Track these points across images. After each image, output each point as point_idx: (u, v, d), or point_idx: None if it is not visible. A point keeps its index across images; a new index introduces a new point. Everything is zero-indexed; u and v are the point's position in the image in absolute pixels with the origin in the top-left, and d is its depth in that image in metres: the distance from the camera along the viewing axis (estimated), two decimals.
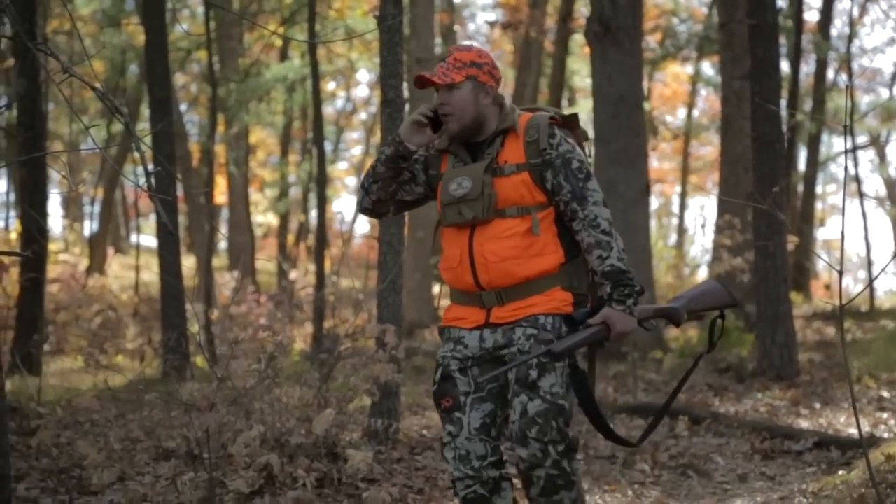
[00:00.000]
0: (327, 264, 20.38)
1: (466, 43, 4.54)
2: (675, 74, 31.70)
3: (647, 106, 23.04)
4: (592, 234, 4.32)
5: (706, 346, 4.77)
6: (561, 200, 4.40)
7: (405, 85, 7.79)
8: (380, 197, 4.61)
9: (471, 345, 4.49)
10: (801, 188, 24.31)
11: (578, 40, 24.64)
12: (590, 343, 4.31)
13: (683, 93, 31.96)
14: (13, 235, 18.07)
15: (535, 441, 4.32)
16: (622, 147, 13.81)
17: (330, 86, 31.68)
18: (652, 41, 25.66)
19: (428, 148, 4.63)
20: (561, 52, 23.16)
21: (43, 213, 12.62)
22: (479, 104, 4.48)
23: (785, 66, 20.29)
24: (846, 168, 5.45)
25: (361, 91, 36.15)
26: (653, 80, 30.63)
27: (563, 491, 4.37)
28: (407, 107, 8.06)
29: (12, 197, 27.75)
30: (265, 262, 29.26)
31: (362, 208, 4.67)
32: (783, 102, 16.45)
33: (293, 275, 25.21)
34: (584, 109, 27.89)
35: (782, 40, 18.48)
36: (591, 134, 14.76)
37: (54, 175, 27.03)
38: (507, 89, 30.59)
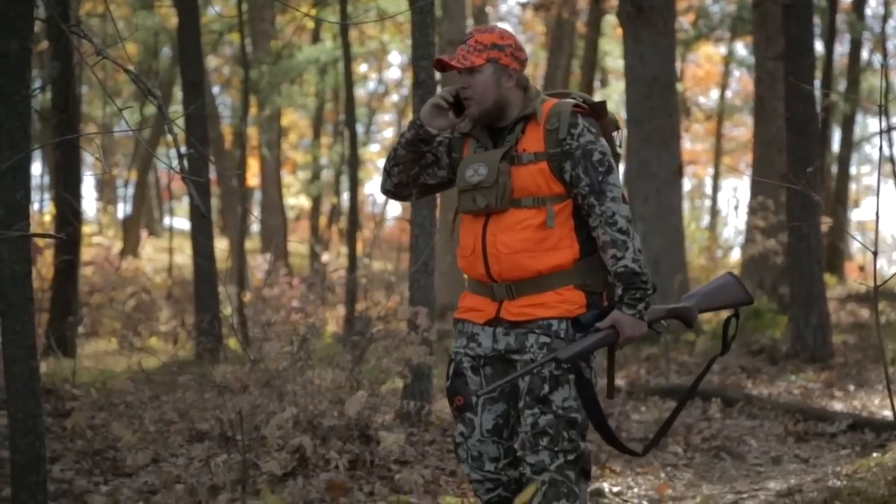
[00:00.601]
0: (359, 247, 20.40)
1: (490, 26, 4.42)
2: (708, 55, 31.55)
3: (679, 87, 22.91)
4: (608, 231, 4.15)
5: (720, 346, 4.54)
6: (579, 193, 4.23)
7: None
8: (401, 180, 4.50)
9: (484, 344, 4.37)
10: (835, 169, 24.18)
11: (611, 21, 24.54)
12: (598, 348, 4.17)
13: (716, 73, 31.80)
14: (47, 218, 18.16)
15: (545, 449, 4.22)
16: (655, 128, 13.76)
17: (362, 68, 31.67)
18: (685, 21, 25.53)
19: (452, 131, 4.49)
20: (593, 33, 23.08)
21: (77, 196, 12.67)
22: (500, 88, 4.31)
23: (819, 46, 20.16)
24: (881, 149, 5.42)
25: (393, 73, 36.13)
26: (685, 61, 30.49)
27: (565, 500, 4.23)
28: (438, 88, 8.06)
29: (46, 179, 27.91)
30: (297, 244, 29.32)
31: (384, 190, 4.57)
32: (817, 83, 16.37)
33: (325, 257, 25.23)
34: (616, 91, 27.81)
35: (816, 20, 18.36)
36: (623, 115, 14.66)
37: (88, 158, 27.16)
38: (538, 70, 30.52)
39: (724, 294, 4.47)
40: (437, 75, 7.80)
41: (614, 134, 4.45)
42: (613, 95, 27.99)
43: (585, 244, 4.26)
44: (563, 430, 4.21)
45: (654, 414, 8.70)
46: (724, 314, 4.58)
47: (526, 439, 4.24)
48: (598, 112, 4.39)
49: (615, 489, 6.70)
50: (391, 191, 4.55)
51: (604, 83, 30.59)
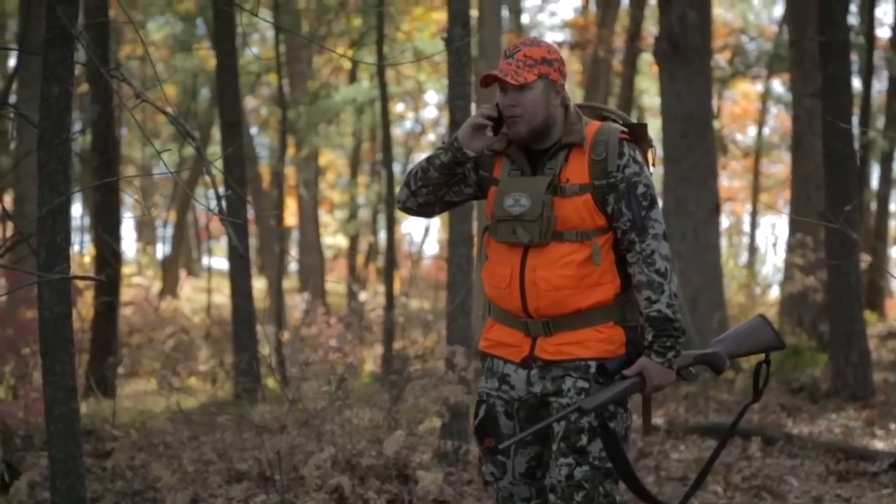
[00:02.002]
0: (396, 285, 20.43)
1: (536, 39, 4.20)
2: (745, 92, 31.49)
3: (716, 124, 22.91)
4: (645, 272, 3.99)
5: (751, 394, 4.38)
6: (619, 228, 4.06)
7: (473, 106, 7.81)
8: (428, 200, 4.29)
9: (517, 386, 4.20)
10: (874, 206, 24.04)
11: (647, 59, 24.56)
12: (624, 397, 4.04)
13: (753, 111, 31.73)
14: (87, 259, 18.27)
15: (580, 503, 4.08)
16: (692, 166, 13.74)
17: (398, 107, 31.78)
18: (721, 59, 25.53)
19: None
20: (629, 71, 23.10)
21: (116, 237, 12.75)
22: (549, 105, 4.09)
23: (856, 83, 20.09)
24: None
25: (430, 112, 36.20)
26: (722, 99, 30.45)
27: None
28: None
29: (86, 221, 28.10)
30: (335, 283, 29.36)
31: (405, 208, 4.34)
32: (855, 120, 16.31)
33: (363, 296, 25.27)
34: (652, 128, 27.72)
35: (854, 57, 18.31)
36: (660, 152, 14.65)
37: (127, 199, 27.33)
38: None
39: (754, 338, 4.32)
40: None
41: (649, 153, 4.30)
42: (650, 133, 27.99)
43: (626, 278, 4.12)
44: (599, 484, 4.07)
45: (693, 453, 8.65)
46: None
47: (559, 488, 4.10)
48: (638, 134, 4.23)
49: None
50: (413, 209, 4.34)
51: (640, 121, 30.55)
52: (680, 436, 9.45)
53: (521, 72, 4.05)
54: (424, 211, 4.35)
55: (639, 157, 4.13)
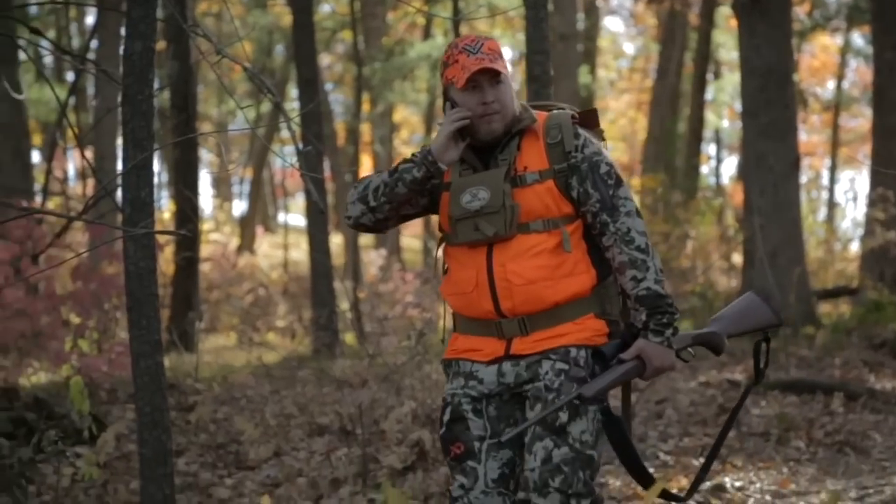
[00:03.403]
0: None
1: (480, 35, 3.91)
2: (825, 45, 31.08)
3: (795, 78, 22.65)
4: (625, 251, 3.70)
5: (753, 375, 4.09)
6: (588, 211, 3.77)
7: (550, 62, 7.76)
8: (388, 216, 3.92)
9: (486, 380, 3.84)
10: None
11: (724, 12, 24.29)
12: (624, 382, 3.75)
13: (833, 64, 31.31)
14: (167, 216, 18.45)
15: (557, 492, 3.72)
16: (771, 120, 13.58)
17: None
18: (800, 12, 25.19)
19: None
20: (706, 24, 22.87)
21: (195, 193, 12.87)
22: (514, 98, 3.84)
23: None
24: None
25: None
26: (801, 52, 30.07)
27: None
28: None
29: (164, 178, 28.38)
30: (411, 239, 29.43)
31: (357, 224, 3.97)
32: None
33: (439, 252, 25.35)
34: (729, 83, 27.52)
35: None
36: (738, 107, 14.46)
37: (205, 156, 27.53)
38: (650, 63, 30.32)
39: (751, 316, 4.04)
40: (552, 71, 7.75)
41: (602, 142, 4.00)
42: (727, 87, 27.72)
43: (601, 268, 3.82)
44: (579, 469, 3.72)
45: (774, 408, 8.59)
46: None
47: (533, 478, 3.74)
48: (589, 121, 3.97)
49: (737, 484, 6.63)
50: (368, 225, 3.96)
51: (717, 75, 30.28)
52: (761, 391, 9.40)
53: (498, 63, 3.77)
54: (380, 227, 3.99)
55: (594, 139, 3.87)
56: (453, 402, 3.88)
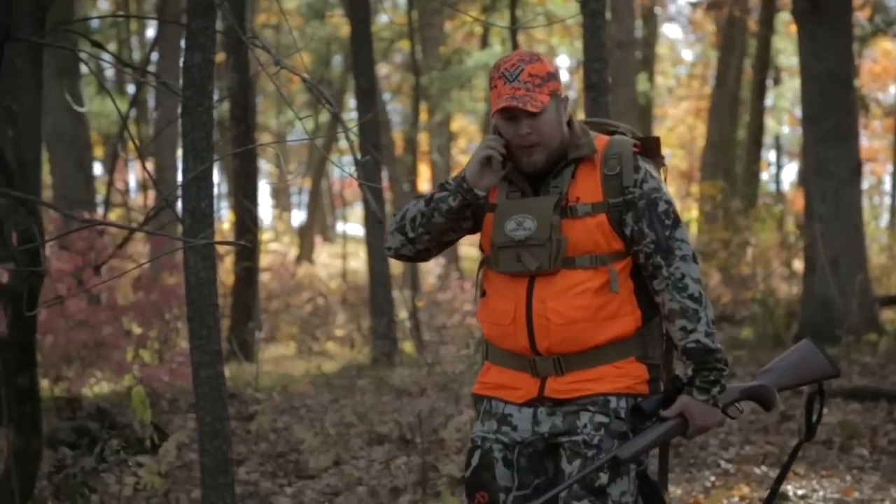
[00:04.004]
0: None
1: (528, 52, 3.62)
2: (886, 50, 30.78)
3: (856, 83, 22.47)
4: (677, 298, 3.46)
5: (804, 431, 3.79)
6: (641, 252, 3.53)
7: (608, 70, 7.74)
8: (428, 247, 3.70)
9: (521, 427, 3.59)
10: None
11: (783, 18, 24.13)
12: (664, 442, 3.51)
13: (894, 69, 31.01)
14: (226, 226, 18.58)
15: None
16: (832, 126, 13.48)
17: None
18: (861, 17, 24.98)
19: None
20: (766, 30, 22.71)
21: (254, 204, 12.95)
22: (562, 123, 3.57)
23: None
24: None
25: (562, 76, 36.09)
26: (862, 57, 29.82)
27: None
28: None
29: (223, 189, 28.56)
30: (468, 248, 29.35)
31: (399, 255, 3.75)
32: None
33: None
34: (789, 88, 27.34)
35: None
36: (798, 113, 14.35)
37: (264, 166, 27.70)
38: (709, 70, 30.15)
39: (806, 367, 3.75)
40: (609, 78, 7.73)
41: (661, 170, 3.76)
42: (787, 93, 27.53)
43: (647, 309, 3.58)
44: None
45: (836, 416, 8.52)
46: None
47: None
48: (650, 149, 3.70)
49: (800, 492, 6.58)
50: (409, 256, 3.75)
51: (776, 81, 30.09)
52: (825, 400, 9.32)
53: (536, 95, 3.50)
54: (422, 257, 3.77)
55: (655, 173, 3.62)
56: (483, 446, 3.62)
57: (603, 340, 3.52)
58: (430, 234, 3.65)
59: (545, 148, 3.53)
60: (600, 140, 3.60)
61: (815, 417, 3.76)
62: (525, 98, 3.47)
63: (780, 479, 3.78)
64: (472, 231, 3.74)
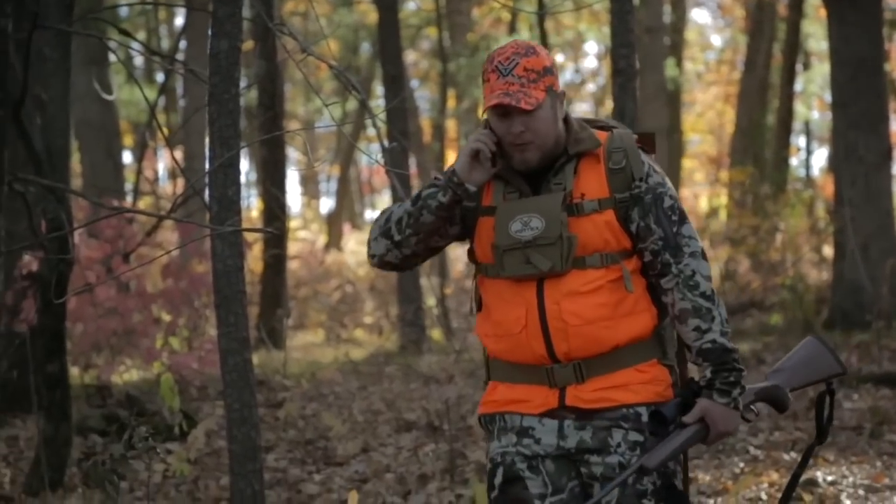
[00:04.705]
0: None
1: (525, 44, 3.39)
2: None
3: (886, 67, 22.33)
4: (688, 296, 3.26)
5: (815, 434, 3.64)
6: (648, 249, 3.32)
7: (636, 55, 7.71)
8: (415, 251, 3.44)
9: (544, 440, 3.32)
10: None
11: (813, 2, 23.99)
12: (687, 448, 3.30)
13: None
14: (254, 213, 18.62)
15: None
16: (862, 110, 13.39)
17: (558, 58, 31.62)
18: (892, 1, 24.82)
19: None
20: (795, 15, 22.58)
21: (283, 191, 12.98)
22: (557, 121, 3.36)
23: None
24: None
25: (590, 62, 35.96)
26: (892, 41, 29.63)
27: None
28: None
29: (252, 177, 28.63)
30: None
31: (383, 263, 3.47)
32: None
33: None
34: (819, 73, 27.18)
35: None
36: (828, 98, 14.28)
37: (292, 154, 27.76)
38: (738, 56, 30.00)
39: (813, 366, 3.61)
40: (637, 63, 7.70)
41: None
42: (817, 78, 27.39)
43: (661, 306, 3.38)
44: None
45: (866, 402, 8.48)
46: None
47: None
48: (647, 146, 3.47)
49: (829, 478, 6.55)
50: (394, 263, 3.47)
51: (806, 66, 29.93)
52: (853, 385, 9.28)
53: (530, 91, 3.29)
54: (407, 263, 3.50)
55: (658, 168, 3.42)
56: (505, 461, 3.34)
57: (624, 340, 3.31)
58: (417, 235, 3.39)
59: (539, 146, 3.32)
60: (601, 135, 3.41)
61: (824, 419, 3.60)
62: (519, 94, 3.28)
63: (793, 486, 3.63)
64: (460, 238, 3.50)
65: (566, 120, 3.40)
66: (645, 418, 3.27)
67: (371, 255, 3.49)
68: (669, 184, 3.40)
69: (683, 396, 3.29)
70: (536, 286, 3.30)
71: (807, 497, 6.14)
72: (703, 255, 3.33)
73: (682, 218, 3.35)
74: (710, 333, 3.25)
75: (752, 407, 3.43)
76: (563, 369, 3.29)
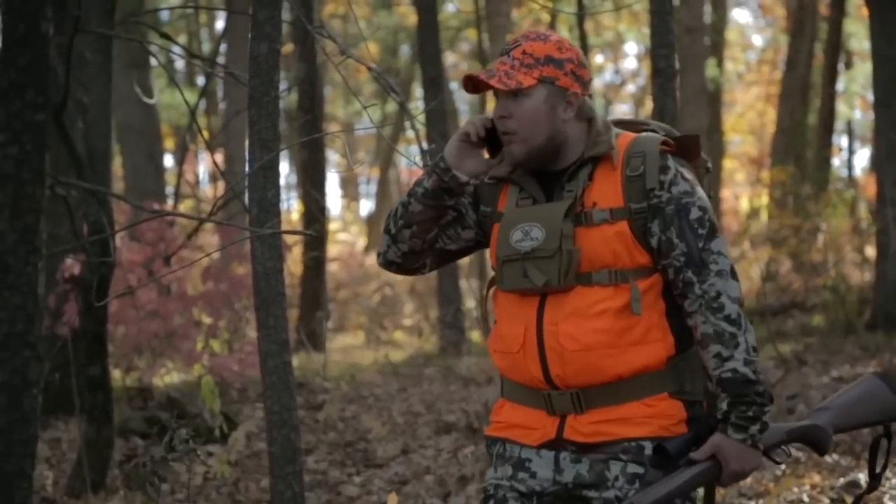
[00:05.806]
0: None
1: (543, 32, 3.11)
2: None
3: None
4: (711, 320, 2.92)
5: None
6: (671, 265, 2.98)
7: (676, 56, 7.69)
8: (413, 247, 3.19)
9: (540, 474, 3.06)
10: None
11: (855, 2, 23.84)
12: (692, 490, 2.95)
13: None
14: (294, 216, 18.67)
15: None
16: None
17: (598, 58, 31.56)
18: None
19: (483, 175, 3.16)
20: (837, 14, 22.44)
21: (322, 194, 13.01)
22: (556, 119, 3.02)
23: None
24: None
25: (630, 63, 35.91)
26: None
27: None
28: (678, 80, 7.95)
29: (292, 179, 28.72)
30: None
31: (385, 262, 3.27)
32: None
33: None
34: (861, 73, 27.03)
35: None
36: (870, 97, 14.22)
37: (332, 156, 27.82)
38: (779, 55, 29.84)
39: (868, 405, 3.21)
40: (677, 64, 7.67)
41: (704, 178, 3.21)
42: (859, 77, 27.24)
43: (682, 335, 3.03)
44: None
45: None
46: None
47: None
48: (688, 150, 3.13)
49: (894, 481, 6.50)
50: (397, 262, 3.25)
51: (848, 65, 29.76)
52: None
53: (515, 73, 3.01)
54: (411, 263, 3.25)
55: (688, 175, 3.05)
56: (497, 495, 3.11)
57: (627, 371, 2.99)
58: (409, 227, 3.16)
59: (524, 140, 3.02)
60: (625, 138, 3.08)
61: (879, 467, 3.27)
62: (499, 72, 3.02)
63: None
64: (478, 243, 3.27)
65: (591, 121, 3.09)
66: (648, 451, 2.97)
67: (377, 255, 3.32)
68: (700, 193, 3.04)
69: (697, 431, 2.97)
70: (538, 303, 3.04)
71: (848, 499, 6.10)
72: (733, 274, 2.97)
73: (712, 232, 2.99)
74: (731, 361, 2.91)
75: (783, 448, 3.09)
76: (561, 396, 3.02)
